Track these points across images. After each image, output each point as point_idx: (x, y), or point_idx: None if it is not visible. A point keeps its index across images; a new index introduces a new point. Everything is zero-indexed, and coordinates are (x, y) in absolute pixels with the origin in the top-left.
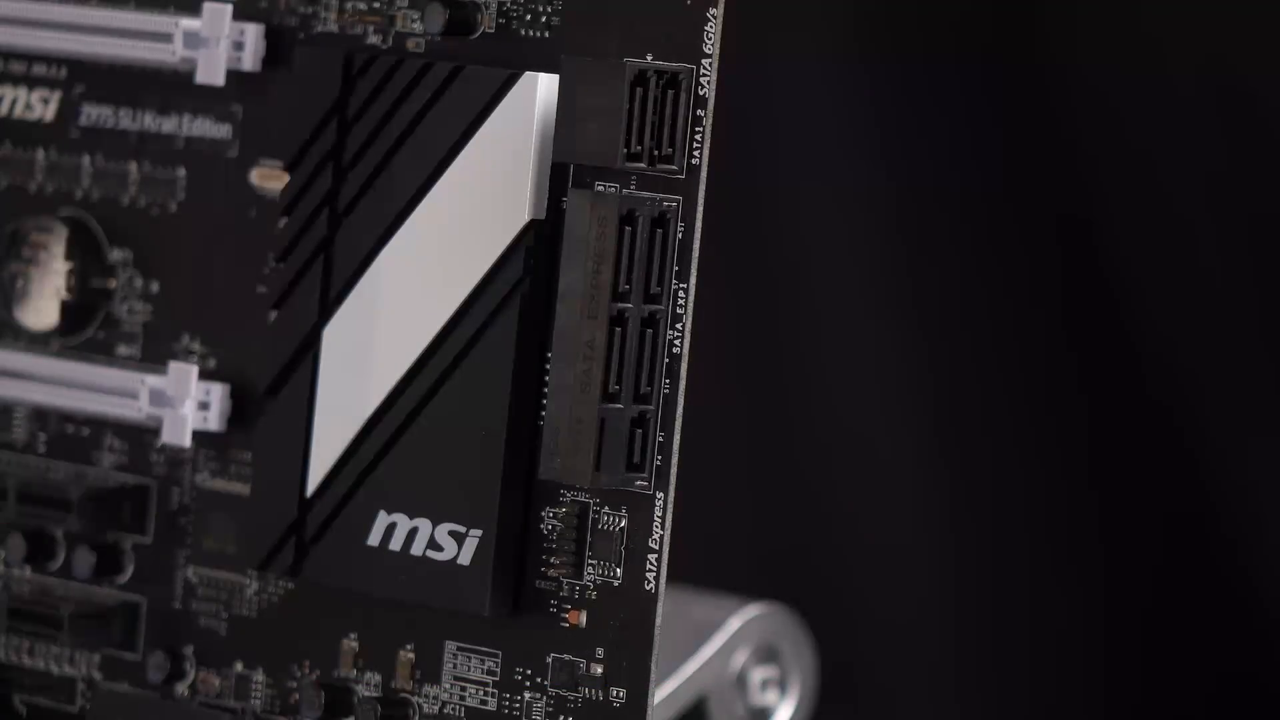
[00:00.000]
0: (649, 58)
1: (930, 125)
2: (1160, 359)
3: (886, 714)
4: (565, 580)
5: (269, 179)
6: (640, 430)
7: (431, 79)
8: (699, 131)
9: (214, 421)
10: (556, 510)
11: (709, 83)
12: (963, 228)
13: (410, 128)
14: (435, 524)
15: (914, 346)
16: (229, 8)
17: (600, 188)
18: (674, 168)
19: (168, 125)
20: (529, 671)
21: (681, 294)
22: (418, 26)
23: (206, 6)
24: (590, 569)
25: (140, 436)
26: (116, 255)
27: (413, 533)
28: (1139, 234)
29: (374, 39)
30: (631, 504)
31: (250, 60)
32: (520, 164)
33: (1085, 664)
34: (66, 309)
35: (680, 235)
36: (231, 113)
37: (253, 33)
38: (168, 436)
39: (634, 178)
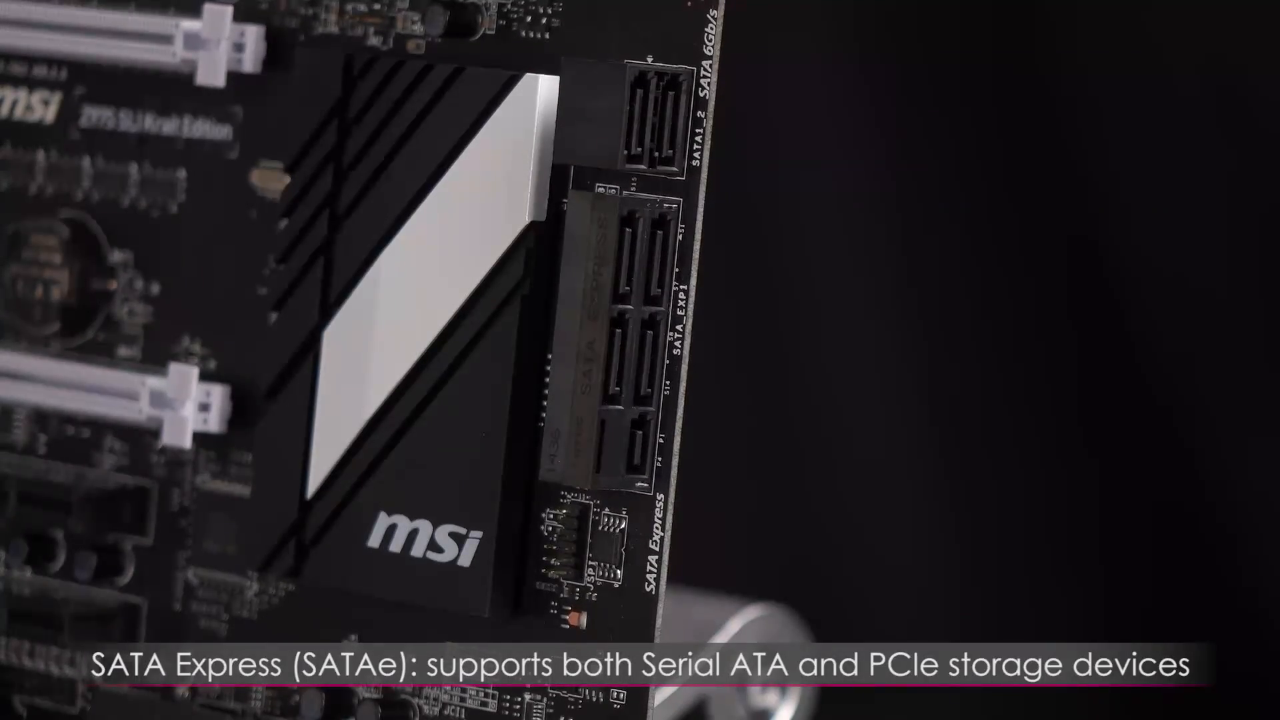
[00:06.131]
0: (649, 59)
1: (930, 127)
2: (1161, 359)
3: (886, 715)
4: (565, 581)
5: (269, 180)
6: (640, 432)
7: (432, 81)
8: (699, 133)
9: (214, 423)
10: (557, 512)
11: (709, 84)
12: (963, 230)
13: (410, 129)
14: (436, 525)
15: (914, 349)
16: (229, 9)
17: (601, 189)
18: (674, 169)
19: (168, 127)
20: None
21: (682, 296)
22: (418, 28)
23: (207, 8)
24: (590, 570)
25: (141, 438)
26: (117, 257)
27: (413, 534)
28: (1139, 234)
29: (374, 40)
30: (632, 505)
31: (251, 62)
32: (520, 166)
33: None
34: (67, 311)
35: (681, 237)
36: (232, 114)
37: (253, 34)
38: (168, 438)
39: (634, 179)
